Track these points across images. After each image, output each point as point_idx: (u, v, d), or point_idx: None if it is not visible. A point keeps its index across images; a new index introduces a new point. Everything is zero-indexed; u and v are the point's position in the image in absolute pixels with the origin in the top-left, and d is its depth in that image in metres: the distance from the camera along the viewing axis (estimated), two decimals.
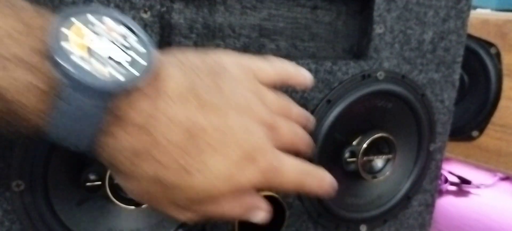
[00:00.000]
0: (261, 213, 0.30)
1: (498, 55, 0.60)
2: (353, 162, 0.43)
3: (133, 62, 0.22)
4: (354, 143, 0.43)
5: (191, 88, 0.25)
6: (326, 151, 0.42)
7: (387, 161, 0.45)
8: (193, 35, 0.37)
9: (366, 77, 0.42)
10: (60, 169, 0.33)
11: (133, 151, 0.24)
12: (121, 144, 0.23)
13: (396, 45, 0.43)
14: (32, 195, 0.32)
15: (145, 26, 0.33)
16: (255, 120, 0.27)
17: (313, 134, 0.40)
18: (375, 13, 0.41)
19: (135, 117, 0.23)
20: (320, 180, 0.31)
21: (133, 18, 0.33)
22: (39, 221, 0.33)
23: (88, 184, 0.33)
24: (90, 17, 0.22)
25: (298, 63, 0.39)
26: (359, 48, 0.44)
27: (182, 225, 0.37)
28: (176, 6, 0.36)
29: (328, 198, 0.43)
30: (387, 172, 0.45)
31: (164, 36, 0.36)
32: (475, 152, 0.64)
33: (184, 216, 0.27)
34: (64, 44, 0.21)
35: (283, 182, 0.29)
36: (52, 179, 0.32)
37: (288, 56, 0.41)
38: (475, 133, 0.64)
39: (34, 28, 0.21)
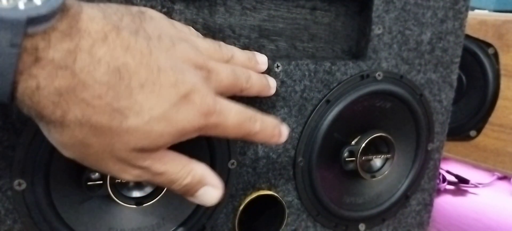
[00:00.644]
0: (214, 193, 0.28)
1: (495, 55, 0.61)
2: (352, 161, 0.43)
3: None
4: (353, 142, 0.44)
5: (113, 28, 0.23)
6: (325, 150, 0.42)
7: (386, 160, 0.46)
8: None
9: (364, 77, 0.43)
10: (62, 168, 0.33)
11: (57, 92, 0.22)
12: (43, 84, 0.22)
13: (395, 46, 0.44)
14: (33, 194, 0.32)
15: None
16: (187, 62, 0.26)
17: (312, 133, 0.41)
18: (374, 14, 0.41)
19: (55, 56, 0.21)
20: (268, 126, 0.30)
21: None
22: (41, 220, 0.33)
23: (89, 183, 0.33)
24: None
25: (297, 63, 0.39)
26: (357, 48, 0.44)
27: (183, 224, 0.38)
28: (177, 7, 0.36)
29: (327, 197, 0.44)
30: (386, 171, 0.46)
31: None
32: (473, 152, 0.64)
33: (129, 174, 0.26)
34: None
35: (227, 127, 0.28)
36: (54, 178, 0.33)
37: (287, 56, 0.41)
38: (473, 133, 0.64)
39: None
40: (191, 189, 0.28)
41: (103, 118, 0.23)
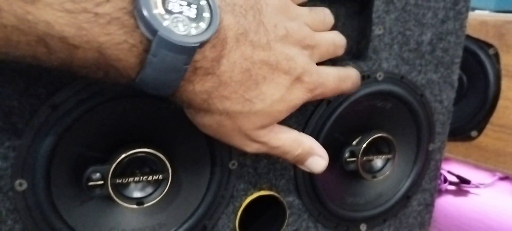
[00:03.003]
0: (321, 162, 0.35)
1: (496, 56, 0.61)
2: (353, 161, 0.43)
3: (202, 17, 0.26)
4: (354, 143, 0.44)
5: (243, 32, 0.29)
6: (326, 151, 0.42)
7: (387, 160, 0.46)
8: None
9: (365, 78, 0.43)
10: (63, 169, 0.33)
11: (206, 92, 0.28)
12: (197, 87, 0.28)
13: (395, 46, 0.44)
14: (34, 194, 0.32)
15: None
16: (297, 46, 0.32)
17: (312, 134, 0.41)
18: (374, 15, 0.41)
19: (206, 64, 0.27)
20: (352, 82, 0.37)
21: None
22: (42, 220, 0.33)
23: (90, 183, 0.33)
24: None
25: None
26: (358, 49, 0.44)
27: (184, 224, 0.38)
28: None
29: (328, 197, 0.44)
30: (387, 172, 0.46)
31: None
32: (474, 152, 0.64)
33: (251, 147, 0.32)
34: (154, 11, 0.24)
35: (326, 92, 0.34)
36: (55, 178, 0.33)
37: None
38: (474, 133, 0.64)
39: None
40: (302, 159, 0.34)
41: (237, 106, 0.30)
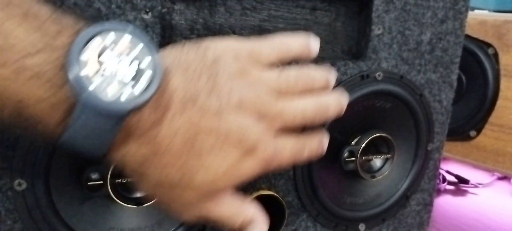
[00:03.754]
0: (260, 227, 0.31)
1: (495, 55, 0.61)
2: (352, 161, 0.43)
3: (141, 79, 0.24)
4: (353, 142, 0.44)
5: (193, 95, 0.26)
6: (326, 150, 0.42)
7: (386, 160, 0.46)
8: (194, 36, 0.38)
9: (364, 77, 0.43)
10: (62, 168, 0.33)
11: (142, 157, 0.26)
12: (131, 152, 0.26)
13: (395, 46, 0.44)
14: (34, 194, 0.32)
15: (146, 27, 0.33)
16: (254, 115, 0.28)
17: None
18: (374, 14, 0.41)
19: (143, 128, 0.25)
20: (311, 150, 0.33)
21: (134, 19, 0.33)
22: (41, 220, 0.33)
23: (89, 183, 0.33)
24: (107, 36, 0.23)
25: (297, 64, 0.39)
26: (357, 49, 0.44)
27: (182, 224, 0.38)
28: (177, 7, 0.36)
29: (327, 197, 0.44)
30: (386, 172, 0.46)
31: (165, 37, 0.36)
32: (473, 152, 0.65)
33: (189, 215, 0.29)
34: (82, 70, 0.22)
35: (281, 163, 0.31)
36: (54, 178, 0.33)
37: None
38: (473, 133, 0.64)
39: (56, 46, 0.22)
40: (242, 228, 0.31)
41: (175, 176, 0.27)
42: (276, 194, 0.41)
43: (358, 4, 0.43)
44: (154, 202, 0.30)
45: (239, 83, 0.28)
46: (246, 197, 0.31)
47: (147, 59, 0.24)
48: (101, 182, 0.33)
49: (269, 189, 0.41)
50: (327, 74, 0.33)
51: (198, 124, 0.26)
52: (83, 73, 0.22)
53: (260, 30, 0.40)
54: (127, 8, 0.33)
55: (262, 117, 0.29)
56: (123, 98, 0.23)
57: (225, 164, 0.27)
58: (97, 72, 0.23)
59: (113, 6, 0.32)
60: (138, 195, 0.36)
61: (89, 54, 0.23)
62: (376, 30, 0.42)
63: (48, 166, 0.32)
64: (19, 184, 0.32)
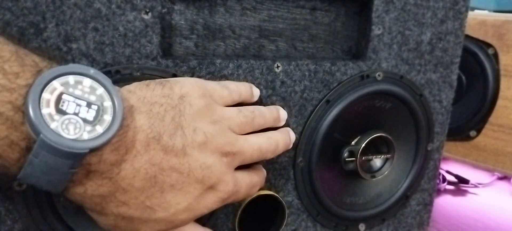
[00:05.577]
0: None
1: (495, 55, 0.61)
2: (352, 161, 0.43)
3: (101, 120, 0.24)
4: (353, 142, 0.44)
5: (156, 135, 0.27)
6: (325, 150, 0.42)
7: (386, 160, 0.46)
8: (194, 36, 0.38)
9: (364, 77, 0.43)
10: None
11: (100, 196, 0.26)
12: (89, 191, 0.26)
13: (395, 46, 0.44)
14: (34, 194, 0.32)
15: (146, 27, 0.33)
16: (216, 153, 0.30)
17: (312, 134, 0.41)
18: (374, 14, 0.42)
19: (104, 168, 0.25)
20: (262, 183, 0.36)
21: (134, 19, 0.33)
22: (41, 220, 0.33)
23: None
24: (67, 78, 0.24)
25: (297, 64, 0.39)
26: (357, 49, 0.44)
27: None
28: (177, 7, 0.36)
29: (327, 197, 0.44)
30: (386, 172, 0.46)
31: (165, 37, 0.36)
32: (473, 152, 0.65)
33: None
34: (42, 110, 0.23)
35: (238, 198, 0.33)
36: None
37: (287, 57, 0.42)
38: (473, 133, 0.64)
39: (15, 85, 0.23)
40: None
41: (135, 213, 0.28)
42: (276, 194, 0.41)
43: (358, 4, 0.43)
44: None
45: (203, 121, 0.29)
46: (206, 227, 0.34)
47: (107, 103, 0.25)
48: None
49: (269, 189, 0.41)
50: (276, 112, 0.37)
51: (160, 163, 0.27)
52: (43, 112, 0.23)
53: (260, 30, 0.40)
54: (127, 8, 0.33)
55: (224, 154, 0.30)
56: (81, 139, 0.24)
57: (185, 200, 0.29)
58: (56, 112, 0.23)
59: (113, 6, 0.32)
60: None
61: (49, 95, 0.23)
62: (376, 30, 0.42)
63: None
64: (19, 184, 0.32)
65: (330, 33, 0.43)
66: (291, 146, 0.37)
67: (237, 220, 0.40)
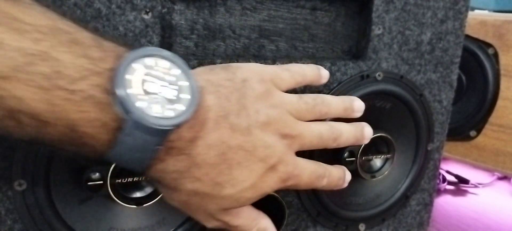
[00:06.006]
0: None
1: (495, 55, 0.61)
2: (352, 161, 0.43)
3: (181, 99, 0.26)
4: None
5: (224, 114, 0.29)
6: (325, 150, 0.42)
7: (386, 160, 0.46)
8: (194, 36, 0.38)
9: (364, 77, 0.43)
10: (62, 168, 0.33)
11: (178, 172, 0.28)
12: (169, 167, 0.27)
13: (395, 46, 0.44)
14: (34, 194, 0.32)
15: (146, 27, 0.33)
16: (276, 134, 0.31)
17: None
18: (374, 14, 0.41)
19: (181, 145, 0.27)
20: (332, 181, 0.35)
21: (134, 19, 0.33)
22: (41, 220, 0.33)
23: (90, 183, 0.33)
24: (147, 61, 0.26)
25: (297, 63, 0.39)
26: (357, 49, 0.44)
27: (183, 224, 0.38)
28: (177, 7, 0.36)
29: (328, 197, 0.44)
30: (386, 172, 0.46)
31: (165, 37, 0.36)
32: (473, 152, 0.65)
33: (211, 223, 0.32)
34: (128, 91, 0.24)
35: (299, 183, 0.33)
36: (54, 178, 0.33)
37: (287, 56, 0.42)
38: (473, 133, 0.64)
39: (101, 69, 0.24)
40: None
41: (206, 188, 0.29)
42: (276, 194, 0.41)
43: (358, 4, 0.43)
44: (178, 210, 0.32)
45: (264, 103, 0.31)
46: (260, 211, 0.34)
47: (185, 83, 0.26)
48: (101, 182, 0.33)
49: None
50: (349, 102, 0.36)
51: (229, 140, 0.28)
52: (129, 91, 0.24)
53: (260, 30, 0.40)
54: (127, 8, 0.33)
55: (284, 136, 0.31)
56: (167, 116, 0.25)
57: (251, 177, 0.30)
58: (142, 93, 0.25)
59: (113, 6, 0.32)
60: (138, 195, 0.36)
61: (133, 76, 0.24)
62: (376, 30, 0.42)
63: (48, 166, 0.32)
64: (19, 184, 0.32)
65: (330, 33, 0.43)
66: (364, 141, 0.37)
67: None
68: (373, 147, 0.45)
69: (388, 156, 0.45)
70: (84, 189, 0.33)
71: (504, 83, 0.61)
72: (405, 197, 0.49)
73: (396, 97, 0.44)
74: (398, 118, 0.46)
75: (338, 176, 0.36)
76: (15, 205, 0.32)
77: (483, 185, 0.80)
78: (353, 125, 0.36)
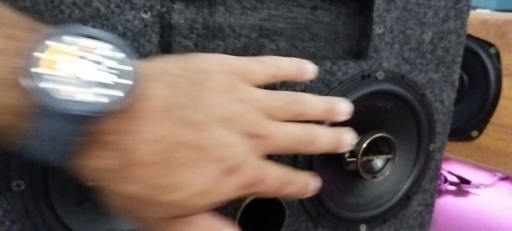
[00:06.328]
0: None
1: (497, 55, 0.61)
2: (353, 162, 0.43)
3: (120, 85, 0.22)
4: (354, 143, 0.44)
5: (173, 105, 0.25)
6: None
7: (387, 160, 0.45)
8: (193, 36, 0.37)
9: (365, 77, 0.42)
10: (61, 169, 0.33)
11: (110, 171, 0.24)
12: (98, 164, 0.23)
13: (396, 45, 0.43)
14: (32, 194, 0.32)
15: (145, 26, 0.33)
16: (239, 133, 0.27)
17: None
18: (375, 14, 0.41)
19: (114, 138, 0.23)
20: (300, 187, 0.31)
21: (133, 18, 0.33)
22: (40, 220, 0.33)
23: (90, 183, 0.33)
24: (66, 38, 0.22)
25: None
26: (358, 48, 0.44)
27: None
28: (176, 6, 0.36)
29: (328, 198, 0.44)
30: (387, 172, 0.45)
31: (165, 36, 0.36)
32: (474, 152, 0.64)
33: None
34: (33, 69, 0.21)
35: (265, 191, 0.29)
36: (53, 178, 0.32)
37: (288, 56, 0.41)
38: (474, 133, 0.64)
39: (10, 49, 0.21)
40: None
41: (145, 192, 0.24)
42: None
43: (359, 3, 0.43)
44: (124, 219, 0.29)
45: (228, 98, 0.27)
46: (226, 219, 0.29)
47: (128, 68, 0.23)
48: None
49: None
50: (330, 103, 0.32)
51: (175, 136, 0.24)
52: (35, 70, 0.21)
53: (260, 30, 0.40)
54: (126, 7, 0.32)
55: (249, 136, 0.27)
56: (87, 101, 0.21)
57: (202, 182, 0.25)
58: (52, 73, 0.21)
59: (112, 5, 0.32)
60: None
61: (44, 54, 0.21)
62: (377, 30, 0.42)
63: (47, 166, 0.32)
64: (18, 185, 0.31)
65: (330, 32, 0.43)
66: (342, 149, 0.32)
67: (237, 221, 0.40)
68: (374, 147, 0.44)
69: (389, 156, 0.45)
70: (82, 190, 0.33)
71: (506, 83, 0.60)
72: (407, 198, 0.49)
73: (398, 97, 0.44)
74: (399, 118, 0.46)
75: (304, 183, 0.32)
76: (13, 205, 0.32)
77: (485, 185, 0.80)
78: (332, 129, 0.32)
